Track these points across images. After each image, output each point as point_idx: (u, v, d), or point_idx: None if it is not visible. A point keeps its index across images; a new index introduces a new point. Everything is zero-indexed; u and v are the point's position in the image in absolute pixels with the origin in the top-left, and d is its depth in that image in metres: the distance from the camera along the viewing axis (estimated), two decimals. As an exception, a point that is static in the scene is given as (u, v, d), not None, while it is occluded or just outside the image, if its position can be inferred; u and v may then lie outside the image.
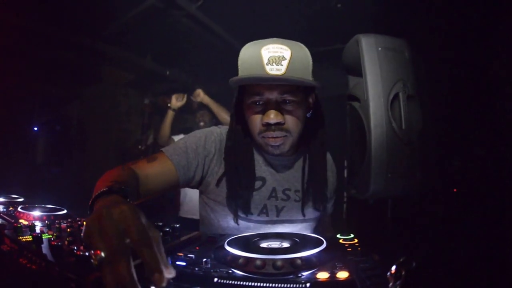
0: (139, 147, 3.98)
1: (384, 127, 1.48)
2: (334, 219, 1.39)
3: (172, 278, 0.54)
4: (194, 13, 2.73)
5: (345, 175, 1.83)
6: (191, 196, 2.76)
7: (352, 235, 0.84)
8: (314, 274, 0.59)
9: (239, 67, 1.03)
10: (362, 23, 2.09)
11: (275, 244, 0.76)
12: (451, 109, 1.99)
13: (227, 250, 0.67)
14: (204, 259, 0.62)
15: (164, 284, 0.45)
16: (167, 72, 3.97)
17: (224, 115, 2.79)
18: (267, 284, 0.55)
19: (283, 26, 2.62)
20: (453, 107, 1.99)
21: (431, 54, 1.96)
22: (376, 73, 1.50)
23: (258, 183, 1.10)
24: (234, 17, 2.79)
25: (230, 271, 0.60)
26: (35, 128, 3.37)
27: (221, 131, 1.16)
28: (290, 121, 1.02)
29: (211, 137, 1.12)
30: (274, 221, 1.10)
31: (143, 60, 3.72)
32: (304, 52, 1.02)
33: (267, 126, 1.00)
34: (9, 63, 2.52)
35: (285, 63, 0.96)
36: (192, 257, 0.65)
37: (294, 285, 0.55)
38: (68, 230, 0.79)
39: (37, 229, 0.82)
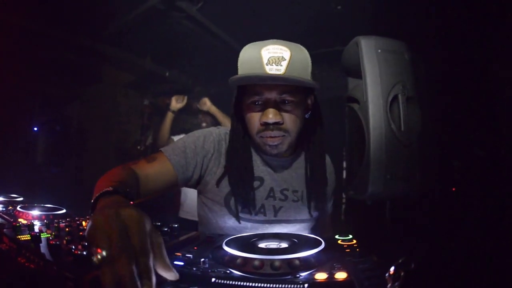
0: (138, 147, 3.97)
1: (383, 128, 1.49)
2: (333, 220, 1.39)
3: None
4: (194, 14, 2.73)
5: (344, 176, 1.83)
6: (191, 197, 2.76)
7: (350, 236, 0.84)
8: (312, 274, 0.59)
9: (238, 67, 1.04)
10: (362, 25, 2.10)
11: (273, 244, 0.76)
12: (450, 110, 1.99)
13: (225, 250, 0.67)
14: (202, 259, 0.62)
15: None
16: (167, 73, 3.98)
17: (229, 124, 2.78)
18: (265, 285, 0.55)
19: (283, 28, 2.62)
20: (452, 108, 2.00)
21: (431, 56, 1.97)
22: (375, 75, 1.51)
23: (256, 183, 1.11)
24: (234, 19, 2.80)
25: (228, 271, 0.60)
26: (35, 128, 3.37)
27: (220, 131, 1.17)
28: (289, 121, 1.02)
29: (209, 137, 1.13)
30: (272, 221, 1.10)
31: (143, 61, 3.72)
32: (303, 53, 1.03)
33: (266, 125, 1.01)
34: (9, 63, 2.51)
35: (284, 63, 0.97)
36: (190, 257, 0.65)
37: (292, 286, 0.55)
38: (67, 229, 0.79)
39: (36, 228, 0.82)
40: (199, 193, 1.18)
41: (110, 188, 0.69)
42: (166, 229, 0.81)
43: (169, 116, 2.97)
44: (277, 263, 0.61)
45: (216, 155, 1.11)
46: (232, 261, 0.63)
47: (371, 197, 1.53)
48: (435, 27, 2.04)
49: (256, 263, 0.61)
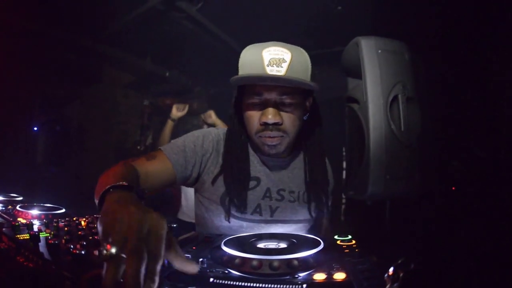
0: (138, 147, 3.98)
1: (383, 129, 1.49)
2: (332, 220, 1.38)
3: (168, 278, 0.55)
4: (194, 15, 2.74)
5: (344, 176, 1.83)
6: (191, 199, 2.76)
7: (349, 236, 0.84)
8: (311, 275, 0.59)
9: (239, 68, 1.05)
10: (362, 26, 2.09)
11: (272, 244, 0.76)
12: (450, 111, 1.99)
13: (223, 250, 0.67)
14: (201, 259, 0.62)
15: None
16: (167, 74, 3.98)
17: None
18: (263, 285, 0.55)
19: (283, 28, 2.62)
20: (452, 109, 2.00)
21: (430, 56, 1.97)
22: (375, 75, 1.51)
23: (252, 183, 1.11)
24: (234, 20, 2.80)
25: (226, 271, 0.60)
26: (35, 128, 3.37)
27: (219, 131, 1.17)
28: (288, 122, 1.03)
29: (208, 137, 1.13)
30: (268, 220, 1.11)
31: (143, 61, 3.73)
32: (304, 56, 1.04)
33: (265, 125, 1.02)
34: (9, 63, 2.52)
35: (285, 65, 0.98)
36: (188, 257, 0.65)
37: (291, 286, 0.55)
38: (66, 229, 0.79)
39: (35, 228, 0.82)
40: (196, 191, 1.19)
41: (124, 183, 0.68)
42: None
43: (169, 124, 2.95)
44: (275, 263, 0.60)
45: (215, 155, 1.12)
46: (231, 261, 0.63)
47: (371, 197, 1.52)
48: (435, 28, 2.04)
49: (255, 263, 0.61)
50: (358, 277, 0.58)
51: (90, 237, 0.72)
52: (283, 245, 0.75)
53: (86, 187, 0.95)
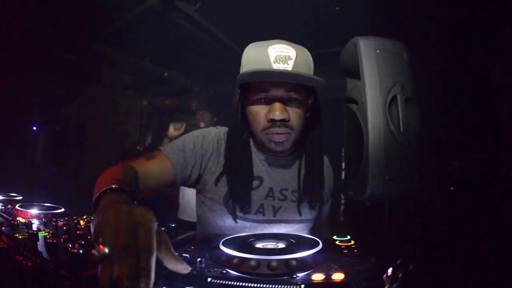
0: (137, 148, 3.98)
1: (382, 129, 1.48)
2: (331, 220, 1.39)
3: (165, 277, 0.55)
4: (192, 15, 2.73)
5: (343, 177, 1.83)
6: (189, 198, 2.76)
7: (348, 237, 0.84)
8: (309, 275, 0.58)
9: (243, 65, 1.04)
10: (361, 26, 2.09)
11: (270, 244, 0.76)
12: (449, 111, 2.00)
13: (222, 250, 0.67)
14: (199, 259, 0.62)
15: None
16: (166, 74, 3.98)
17: None
18: (261, 285, 0.55)
19: (282, 28, 2.62)
20: (451, 109, 2.00)
21: (429, 56, 1.97)
22: (374, 75, 1.51)
23: (255, 183, 1.11)
24: (233, 20, 2.80)
25: (224, 271, 0.60)
26: (35, 128, 3.37)
27: (219, 131, 1.16)
28: (294, 119, 1.03)
29: (208, 136, 1.12)
30: (271, 220, 1.10)
31: (142, 61, 3.73)
32: (307, 54, 1.05)
33: (272, 122, 1.01)
34: (9, 63, 2.52)
35: (291, 62, 0.98)
36: (186, 256, 0.65)
37: (289, 286, 0.55)
38: (65, 228, 0.79)
39: (34, 227, 0.82)
40: (198, 192, 1.18)
41: (115, 186, 0.69)
42: (163, 228, 0.81)
43: (165, 142, 2.98)
44: (274, 264, 0.60)
45: (215, 155, 1.11)
46: (229, 261, 0.63)
47: (370, 198, 1.52)
48: (434, 28, 2.04)
49: (253, 263, 0.61)
50: (356, 278, 0.58)
51: (89, 237, 0.73)
52: (281, 245, 0.75)
53: (86, 186, 0.95)
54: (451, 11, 1.92)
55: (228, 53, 3.25)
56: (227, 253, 0.66)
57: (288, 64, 0.97)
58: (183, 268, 0.52)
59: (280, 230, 1.10)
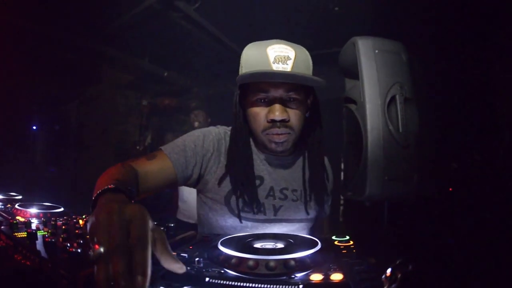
0: (137, 147, 3.98)
1: (381, 129, 1.48)
2: (330, 220, 1.39)
3: (163, 277, 0.55)
4: (192, 14, 2.73)
5: (342, 177, 1.83)
6: (188, 199, 2.76)
7: (347, 237, 0.84)
8: (307, 275, 0.58)
9: (242, 65, 1.04)
10: (360, 26, 2.10)
11: (269, 244, 0.76)
12: (448, 112, 2.00)
13: (220, 250, 0.67)
14: (197, 259, 0.62)
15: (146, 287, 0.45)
16: (165, 74, 3.98)
17: None
18: (259, 285, 0.55)
19: (281, 28, 2.63)
20: (451, 110, 2.00)
21: (428, 57, 1.97)
22: (373, 75, 1.51)
23: (256, 182, 1.11)
24: (232, 20, 2.80)
25: (222, 271, 0.60)
26: (34, 127, 3.37)
27: (219, 130, 1.16)
28: (294, 119, 1.03)
29: (209, 136, 1.13)
30: (271, 220, 1.11)
31: (142, 61, 3.72)
32: (306, 54, 1.05)
33: (272, 122, 1.02)
34: (9, 63, 2.52)
35: (290, 62, 0.98)
36: (185, 256, 0.65)
37: (287, 286, 0.55)
38: (64, 227, 0.79)
39: (33, 226, 0.82)
40: (198, 192, 1.18)
41: (111, 186, 0.69)
42: (162, 228, 0.81)
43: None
44: (272, 264, 0.60)
45: (216, 154, 1.11)
46: (227, 260, 0.63)
47: (369, 198, 1.52)
48: (433, 28, 2.04)
49: (251, 263, 0.61)
50: (355, 278, 0.58)
51: (87, 236, 0.72)
52: (280, 245, 0.74)
53: (85, 186, 0.96)
54: (451, 11, 1.92)
55: (228, 53, 3.25)
56: (225, 253, 0.66)
57: (287, 64, 0.97)
58: (179, 268, 0.52)
59: (281, 230, 1.11)
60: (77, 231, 0.75)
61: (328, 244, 0.77)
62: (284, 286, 0.55)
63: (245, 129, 1.10)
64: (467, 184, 1.91)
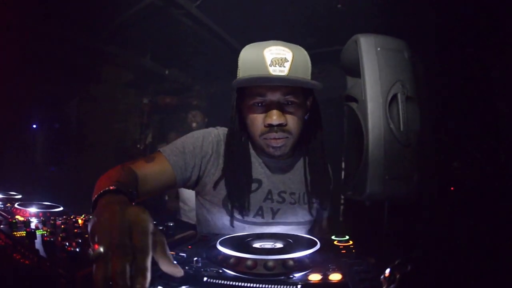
0: (138, 146, 3.98)
1: (382, 128, 1.48)
2: (330, 220, 1.38)
3: (161, 277, 0.54)
4: (193, 12, 2.72)
5: (342, 176, 1.82)
6: (187, 201, 2.76)
7: (347, 237, 0.84)
8: (306, 275, 0.58)
9: (239, 68, 1.03)
10: (363, 24, 2.09)
11: (268, 244, 0.75)
12: (450, 111, 1.99)
13: (218, 250, 0.67)
14: (195, 258, 0.62)
15: None
16: (166, 72, 3.97)
17: None
18: (258, 285, 0.55)
19: (284, 26, 2.62)
20: (452, 109, 1.99)
21: (430, 55, 1.96)
22: (374, 73, 1.50)
23: (254, 185, 1.10)
24: (234, 17, 2.79)
25: (221, 271, 0.59)
26: (34, 126, 3.38)
27: (219, 132, 1.15)
28: (292, 123, 1.02)
29: (208, 138, 1.12)
30: (269, 223, 1.11)
31: (143, 59, 3.72)
32: (304, 54, 1.03)
33: (269, 127, 1.01)
34: (9, 62, 2.52)
35: (287, 64, 0.97)
36: (183, 255, 0.65)
37: (285, 286, 0.54)
38: (62, 226, 0.79)
39: (32, 225, 0.82)
40: (197, 194, 1.18)
41: (113, 187, 0.69)
42: (161, 228, 0.81)
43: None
44: (270, 263, 0.60)
45: (215, 157, 1.10)
46: (225, 260, 0.63)
47: (370, 198, 1.52)
48: (435, 27, 2.03)
49: (249, 263, 0.60)
50: (354, 278, 0.58)
51: (86, 235, 0.72)
52: (279, 245, 0.74)
53: (85, 185, 0.96)
54: (452, 10, 1.91)
55: (230, 50, 3.24)
56: (223, 253, 0.65)
57: (284, 66, 0.96)
58: (177, 272, 0.52)
59: None
60: (76, 230, 0.75)
61: (327, 244, 0.77)
62: (282, 286, 0.55)
63: (242, 133, 1.10)
64: (468, 183, 1.90)
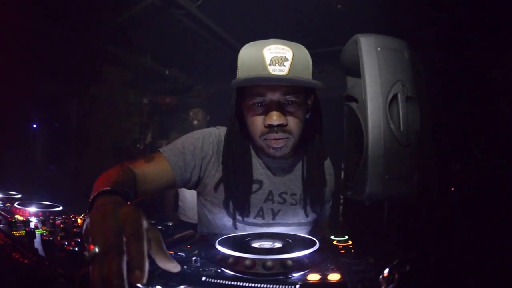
0: (138, 146, 3.98)
1: (382, 128, 1.47)
2: (330, 220, 1.38)
3: (159, 276, 0.54)
4: (194, 12, 2.73)
5: (342, 176, 1.82)
6: (187, 201, 2.76)
7: (346, 237, 0.83)
8: (305, 275, 0.58)
9: (239, 68, 1.02)
10: (363, 24, 2.08)
11: (267, 244, 0.75)
12: (450, 111, 1.99)
13: (217, 249, 0.67)
14: (194, 258, 0.62)
15: (144, 281, 0.45)
16: (166, 71, 3.98)
17: None
18: (256, 285, 0.55)
19: (284, 27, 2.62)
20: (452, 109, 1.99)
21: (430, 55, 1.96)
22: (374, 73, 1.50)
23: (255, 186, 1.09)
24: (234, 17, 2.79)
25: (219, 271, 0.59)
26: (34, 126, 3.38)
27: (220, 132, 1.14)
28: (292, 123, 1.00)
29: (209, 138, 1.10)
30: (270, 224, 1.10)
31: (143, 59, 3.72)
32: (304, 53, 1.01)
33: (270, 128, 0.99)
34: (9, 61, 2.52)
35: (287, 64, 0.95)
36: (182, 255, 0.65)
37: (284, 286, 0.54)
38: (62, 226, 0.79)
39: (31, 225, 0.82)
40: (198, 194, 1.17)
41: (108, 188, 0.69)
42: (160, 227, 0.81)
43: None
44: (269, 263, 0.60)
45: (215, 157, 1.09)
46: (224, 260, 0.63)
47: (369, 198, 1.51)
48: (435, 27, 2.03)
49: (248, 262, 0.60)
50: (353, 278, 0.57)
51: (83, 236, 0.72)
52: (278, 244, 0.74)
53: (85, 185, 0.95)
54: (453, 10, 1.91)
55: (230, 50, 3.24)
56: (222, 252, 0.65)
57: (284, 66, 0.94)
58: (173, 267, 0.52)
59: None
60: (75, 229, 0.75)
61: (326, 244, 0.77)
62: (281, 286, 0.54)
63: (242, 133, 1.08)
64: (468, 183, 1.90)
